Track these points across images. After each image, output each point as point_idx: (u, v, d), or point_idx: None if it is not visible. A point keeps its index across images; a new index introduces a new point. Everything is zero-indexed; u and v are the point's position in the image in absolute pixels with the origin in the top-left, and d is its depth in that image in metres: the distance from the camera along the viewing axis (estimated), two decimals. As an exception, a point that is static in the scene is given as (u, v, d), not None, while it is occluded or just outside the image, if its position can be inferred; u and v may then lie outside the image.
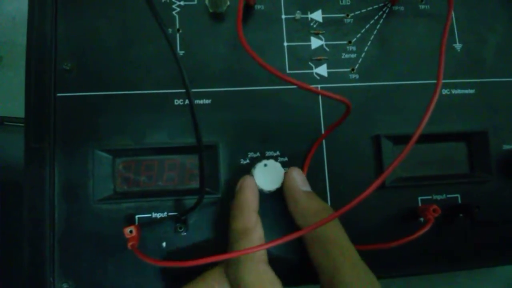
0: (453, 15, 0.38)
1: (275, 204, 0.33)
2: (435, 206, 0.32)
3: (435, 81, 0.35)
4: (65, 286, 0.32)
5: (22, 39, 0.49)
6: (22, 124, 0.43)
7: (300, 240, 0.31)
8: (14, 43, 0.51)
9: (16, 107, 0.47)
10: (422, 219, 0.34)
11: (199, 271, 0.30)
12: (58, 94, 0.34)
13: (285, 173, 0.32)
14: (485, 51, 0.38)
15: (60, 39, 0.34)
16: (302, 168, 0.34)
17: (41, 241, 0.32)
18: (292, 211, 0.32)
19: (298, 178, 0.32)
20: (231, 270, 0.28)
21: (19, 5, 0.52)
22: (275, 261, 0.29)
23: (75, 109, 0.34)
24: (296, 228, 0.31)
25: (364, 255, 0.29)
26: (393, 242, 0.31)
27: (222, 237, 0.32)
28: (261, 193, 0.32)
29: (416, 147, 0.35)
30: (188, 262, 0.26)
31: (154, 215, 0.33)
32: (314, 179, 0.34)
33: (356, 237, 0.32)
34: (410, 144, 0.26)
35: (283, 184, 0.32)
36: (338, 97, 0.28)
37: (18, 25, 0.52)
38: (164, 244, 0.33)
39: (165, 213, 0.33)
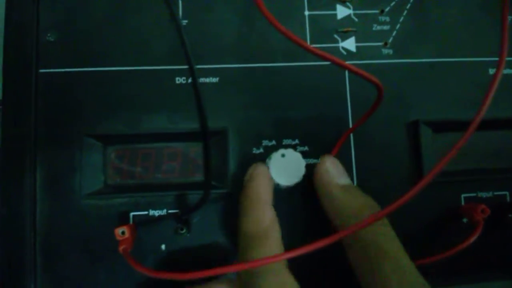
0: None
1: (294, 202, 0.29)
2: (483, 206, 0.28)
3: (483, 59, 0.31)
4: None
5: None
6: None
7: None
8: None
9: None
10: (465, 220, 0.30)
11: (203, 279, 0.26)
12: (41, 70, 0.30)
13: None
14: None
15: (44, 6, 0.31)
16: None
17: (21, 244, 0.28)
18: (327, 210, 0.27)
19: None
20: (245, 283, 0.23)
21: None
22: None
23: (60, 88, 0.30)
24: (332, 230, 0.26)
25: None
26: (438, 255, 0.26)
27: (231, 240, 0.28)
28: (277, 189, 0.27)
29: (460, 135, 0.31)
30: (189, 275, 0.21)
31: (151, 212, 0.29)
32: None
33: None
34: (469, 130, 0.21)
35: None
36: (372, 78, 0.23)
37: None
38: (163, 246, 0.29)
39: (165, 210, 0.29)
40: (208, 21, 0.31)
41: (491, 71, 0.31)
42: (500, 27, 0.23)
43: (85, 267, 0.28)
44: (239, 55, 0.31)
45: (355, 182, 0.30)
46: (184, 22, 0.30)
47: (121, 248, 0.26)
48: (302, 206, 0.29)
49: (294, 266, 0.23)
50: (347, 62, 0.30)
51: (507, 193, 0.31)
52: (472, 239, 0.26)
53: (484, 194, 0.31)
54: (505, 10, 0.24)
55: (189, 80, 0.30)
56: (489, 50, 0.32)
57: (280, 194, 0.28)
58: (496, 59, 0.29)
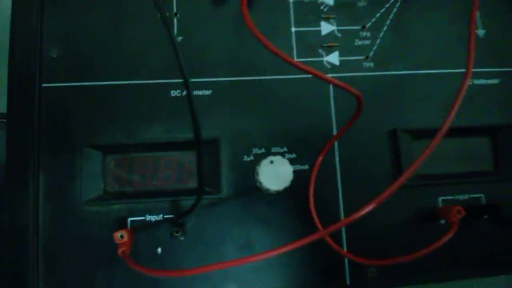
0: (476, -1, 0.35)
1: (282, 206, 0.31)
2: (459, 207, 0.30)
3: (456, 70, 0.34)
4: None
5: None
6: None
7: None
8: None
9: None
10: (443, 221, 0.32)
11: (199, 280, 0.28)
12: (44, 85, 0.32)
13: None
14: (510, 38, 0.36)
15: (46, 24, 0.33)
16: (312, 166, 0.31)
17: (24, 249, 0.30)
18: None
19: None
20: None
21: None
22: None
23: (62, 102, 0.32)
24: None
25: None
26: (414, 253, 0.28)
27: (224, 242, 0.30)
28: (267, 193, 0.29)
29: (438, 143, 0.33)
30: (186, 272, 0.23)
31: (148, 218, 0.31)
32: (325, 179, 0.32)
33: (372, 243, 0.31)
34: (438, 136, 0.23)
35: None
36: (351, 89, 0.25)
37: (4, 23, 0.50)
38: (159, 250, 0.30)
39: (161, 215, 0.31)
40: (201, 38, 0.33)
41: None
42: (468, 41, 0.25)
43: (86, 270, 0.30)
44: (230, 69, 0.33)
45: (339, 188, 0.32)
46: (179, 38, 0.32)
47: (120, 251, 0.27)
48: (290, 209, 0.31)
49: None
50: (331, 75, 0.33)
51: (482, 195, 0.33)
52: (446, 238, 0.28)
53: (460, 197, 0.33)
54: (472, 25, 0.27)
55: (184, 93, 0.32)
56: (462, 62, 0.34)
57: (269, 199, 0.31)
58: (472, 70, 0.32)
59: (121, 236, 0.28)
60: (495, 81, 0.35)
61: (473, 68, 0.32)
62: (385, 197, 0.22)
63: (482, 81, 0.34)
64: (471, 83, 0.34)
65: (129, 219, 0.31)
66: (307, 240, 0.23)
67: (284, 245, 0.23)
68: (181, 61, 0.22)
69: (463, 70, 0.33)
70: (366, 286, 0.31)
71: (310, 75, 0.32)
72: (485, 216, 0.33)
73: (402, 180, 0.22)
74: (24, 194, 0.30)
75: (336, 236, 0.31)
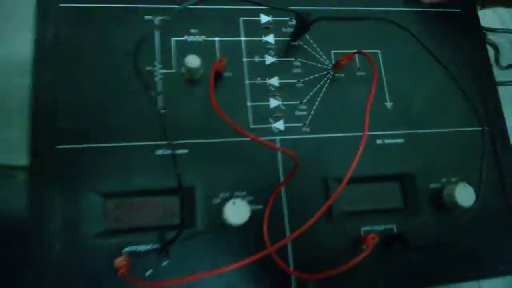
0: (384, 78, 0.46)
1: (243, 237, 0.39)
2: (373, 234, 0.39)
3: (371, 133, 0.44)
4: None
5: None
6: (12, 170, 0.49)
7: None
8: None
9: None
10: (364, 246, 0.40)
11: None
12: (58, 146, 0.39)
13: None
14: (411, 108, 0.46)
15: (60, 99, 0.40)
16: (265, 206, 0.40)
17: (40, 275, 0.36)
18: None
19: None
20: None
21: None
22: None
23: (72, 159, 0.39)
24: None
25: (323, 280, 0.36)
26: (339, 267, 0.37)
27: (199, 265, 0.38)
28: (230, 227, 0.38)
29: (359, 186, 0.43)
30: (173, 281, 0.32)
31: (140, 247, 0.38)
32: (275, 216, 0.40)
33: (309, 263, 0.39)
34: (341, 185, 0.33)
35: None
36: (288, 151, 0.36)
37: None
38: (148, 272, 0.37)
39: (149, 245, 0.38)
40: (180, 110, 0.41)
41: (378, 141, 0.44)
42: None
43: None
44: (202, 133, 0.41)
45: (286, 222, 0.40)
46: (163, 111, 0.41)
47: (120, 272, 0.35)
48: (249, 239, 0.39)
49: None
50: (278, 138, 0.42)
51: (394, 226, 0.42)
52: (361, 256, 0.36)
53: (377, 227, 0.42)
54: (369, 99, 0.37)
55: (165, 152, 0.40)
56: (375, 127, 0.44)
57: (233, 231, 0.39)
58: (380, 132, 0.43)
59: (120, 261, 0.35)
60: (400, 140, 0.44)
61: (383, 131, 0.44)
62: (307, 226, 0.32)
63: (391, 140, 0.44)
64: (382, 142, 0.44)
65: (125, 249, 0.37)
66: (260, 255, 0.33)
67: (240, 260, 0.32)
68: (166, 129, 0.32)
69: (374, 133, 0.44)
70: None
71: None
72: (396, 243, 0.41)
73: (316, 216, 0.32)
74: (41, 229, 0.37)
75: (285, 256, 0.40)
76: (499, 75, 0.57)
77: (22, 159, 0.44)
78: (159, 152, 0.40)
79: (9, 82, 0.54)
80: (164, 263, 0.38)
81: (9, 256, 0.46)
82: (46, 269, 0.36)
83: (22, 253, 0.37)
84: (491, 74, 0.49)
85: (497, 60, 0.56)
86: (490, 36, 0.55)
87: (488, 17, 0.62)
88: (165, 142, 0.40)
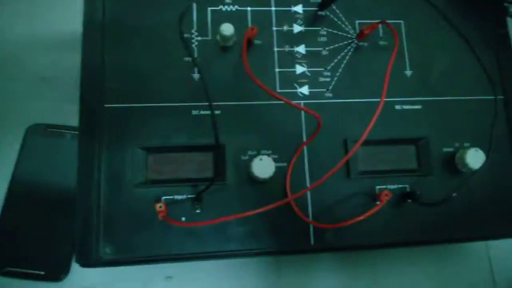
0: (405, 48, 0.49)
1: (267, 190, 0.44)
2: (386, 191, 0.42)
3: (390, 99, 0.47)
4: (107, 250, 0.41)
5: (61, 60, 0.60)
6: (63, 130, 0.54)
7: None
8: (55, 64, 0.61)
9: (57, 116, 0.58)
10: (378, 202, 0.43)
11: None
12: (106, 105, 0.43)
13: None
14: (430, 76, 0.49)
15: (107, 64, 0.44)
16: (288, 164, 0.44)
17: (90, 216, 0.41)
18: None
19: None
20: None
21: (58, 31, 0.62)
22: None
23: (118, 116, 0.43)
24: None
25: (338, 229, 0.41)
26: (354, 218, 0.41)
27: (227, 214, 0.41)
28: (257, 180, 0.42)
29: (376, 147, 0.46)
30: (206, 222, 0.37)
31: (176, 197, 0.42)
32: (297, 173, 0.44)
33: (328, 217, 0.43)
34: (358, 143, 0.36)
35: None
36: (312, 111, 0.39)
37: (57, 48, 0.62)
38: (183, 219, 0.42)
39: (185, 195, 0.43)
40: (214, 75, 0.45)
41: (397, 107, 0.47)
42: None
43: (132, 231, 0.41)
44: (233, 96, 0.45)
45: (307, 179, 0.44)
46: (197, 76, 0.45)
47: (160, 216, 0.39)
48: (273, 192, 0.43)
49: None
50: (302, 102, 0.46)
51: (407, 185, 0.45)
52: (374, 210, 0.40)
53: (391, 186, 0.45)
54: (389, 64, 0.40)
55: (201, 112, 0.44)
56: (395, 93, 0.47)
57: (259, 185, 0.43)
58: (399, 99, 0.46)
59: (160, 206, 0.39)
60: (418, 106, 0.47)
61: (401, 97, 0.47)
62: (325, 178, 0.36)
63: (409, 106, 0.47)
64: (401, 108, 0.46)
65: (163, 197, 0.42)
66: (281, 202, 0.37)
67: (263, 206, 0.37)
68: (207, 90, 0.36)
69: (395, 99, 0.47)
70: (325, 246, 0.44)
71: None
72: (409, 200, 0.44)
73: (334, 169, 0.36)
74: (91, 178, 0.41)
75: (305, 210, 0.44)
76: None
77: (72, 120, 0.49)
78: (195, 112, 0.45)
79: (61, 55, 0.60)
80: (197, 211, 0.43)
81: (63, 205, 0.52)
82: (95, 215, 0.41)
83: (72, 203, 0.42)
84: (509, 46, 0.50)
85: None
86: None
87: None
88: (200, 104, 0.44)
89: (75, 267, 0.51)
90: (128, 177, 0.42)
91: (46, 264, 0.51)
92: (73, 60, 0.48)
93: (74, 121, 0.53)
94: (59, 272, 0.51)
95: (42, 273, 0.50)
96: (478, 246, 0.57)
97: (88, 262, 0.41)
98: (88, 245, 0.41)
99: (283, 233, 0.43)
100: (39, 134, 0.55)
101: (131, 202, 0.42)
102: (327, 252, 0.47)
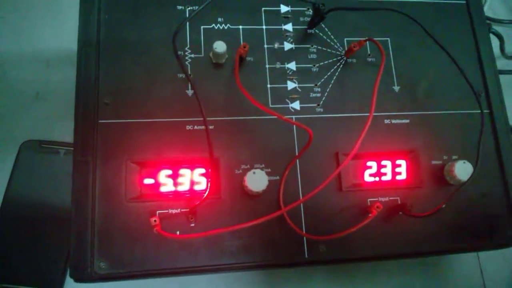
0: (393, 64, 0.50)
1: (261, 203, 0.44)
2: (378, 203, 0.43)
3: (379, 114, 0.48)
4: (102, 265, 0.41)
5: (54, 77, 0.60)
6: (57, 146, 0.55)
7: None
8: (48, 81, 0.62)
9: (50, 132, 0.58)
10: (370, 214, 0.44)
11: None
12: (100, 121, 0.44)
13: None
14: (417, 91, 0.50)
15: (101, 80, 0.45)
16: (281, 177, 0.45)
17: (85, 231, 0.41)
18: None
19: None
20: None
21: (52, 48, 0.62)
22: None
23: (112, 132, 0.44)
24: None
25: (331, 242, 0.41)
26: (347, 230, 0.42)
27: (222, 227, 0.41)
28: (250, 193, 0.43)
29: (366, 161, 0.47)
30: (201, 234, 0.37)
31: (170, 211, 0.43)
32: (290, 186, 0.45)
33: (322, 229, 0.44)
34: (349, 156, 0.37)
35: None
36: (303, 126, 0.40)
37: (50, 66, 0.63)
38: (178, 232, 0.42)
39: (179, 209, 0.43)
40: (207, 91, 0.46)
41: (386, 121, 0.48)
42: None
43: (126, 246, 0.41)
44: (226, 112, 0.45)
45: (300, 192, 0.45)
46: (192, 91, 0.45)
47: (155, 229, 0.39)
48: (266, 205, 0.44)
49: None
50: (294, 117, 0.47)
51: (398, 198, 0.46)
52: (366, 221, 0.41)
53: (383, 199, 0.46)
54: (377, 79, 0.41)
55: (195, 127, 0.45)
56: (383, 108, 0.48)
57: (252, 198, 0.44)
58: (388, 113, 0.47)
59: (155, 220, 0.39)
60: (406, 121, 0.48)
61: (390, 112, 0.48)
62: (318, 190, 0.37)
63: (398, 121, 0.48)
64: (390, 122, 0.48)
65: (157, 211, 0.42)
66: (274, 214, 0.37)
67: (256, 218, 0.37)
68: (201, 107, 0.37)
69: (384, 114, 0.49)
70: (319, 259, 0.44)
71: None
72: (400, 212, 0.45)
73: (326, 182, 0.37)
74: (85, 194, 0.42)
75: (298, 223, 0.44)
76: (504, 64, 0.61)
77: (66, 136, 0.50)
78: (189, 127, 0.45)
79: (54, 71, 0.60)
80: (191, 225, 0.43)
81: (56, 221, 0.52)
82: (89, 231, 0.42)
83: (67, 218, 0.42)
84: (493, 61, 0.52)
85: (502, 50, 0.59)
86: (496, 27, 0.59)
87: (495, 5, 0.65)
88: (194, 119, 0.45)
89: (69, 282, 0.51)
90: (122, 192, 0.43)
91: (40, 280, 0.51)
92: (67, 76, 0.48)
93: (67, 137, 0.54)
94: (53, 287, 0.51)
95: (36, 289, 0.50)
96: (469, 256, 0.58)
97: (82, 277, 0.41)
98: (82, 260, 0.41)
99: (277, 246, 0.44)
100: (33, 150, 0.55)
101: (126, 217, 0.42)
102: (320, 265, 0.47)
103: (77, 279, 0.41)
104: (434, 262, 0.58)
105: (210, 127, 0.45)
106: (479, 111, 0.48)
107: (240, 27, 0.49)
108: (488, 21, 0.54)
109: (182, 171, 0.44)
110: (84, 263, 0.41)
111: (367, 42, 0.48)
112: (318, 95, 0.48)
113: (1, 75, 0.60)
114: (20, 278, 0.50)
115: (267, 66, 0.48)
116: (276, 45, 0.49)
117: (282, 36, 0.50)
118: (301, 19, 0.51)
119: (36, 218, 0.53)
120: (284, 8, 0.50)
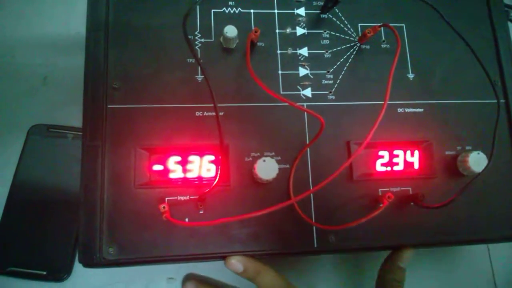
0: (408, 51, 0.49)
1: (271, 191, 0.44)
2: (389, 194, 0.42)
3: (392, 102, 0.47)
4: (110, 250, 0.41)
5: (62, 62, 0.60)
6: (65, 131, 0.54)
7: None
8: (56, 65, 0.61)
9: (58, 117, 0.57)
10: (381, 204, 0.44)
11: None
12: (109, 106, 0.43)
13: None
14: (432, 79, 0.49)
15: (110, 64, 0.44)
16: (291, 166, 0.44)
17: (94, 217, 0.41)
18: None
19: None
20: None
21: (60, 32, 0.62)
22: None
23: (121, 117, 0.43)
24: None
25: (341, 232, 0.41)
26: (357, 220, 0.41)
27: (230, 215, 0.41)
28: (260, 181, 0.43)
29: (379, 151, 0.46)
30: (209, 222, 0.37)
31: (179, 197, 0.42)
32: (300, 175, 0.44)
33: (332, 218, 0.43)
34: (361, 146, 0.37)
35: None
36: (315, 114, 0.39)
37: (59, 50, 0.62)
38: (186, 219, 0.42)
39: (188, 196, 0.43)
40: (217, 76, 0.45)
41: (400, 110, 0.47)
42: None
43: (135, 232, 0.41)
44: (236, 98, 0.45)
45: (310, 180, 0.44)
46: (201, 77, 0.45)
47: (164, 216, 0.39)
48: (275, 194, 0.44)
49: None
50: (305, 104, 0.46)
51: (410, 188, 0.46)
52: (377, 212, 0.40)
53: (394, 189, 0.45)
54: (392, 66, 0.40)
55: (204, 113, 0.44)
56: (397, 96, 0.47)
57: (261, 186, 0.43)
58: (401, 102, 0.46)
59: (163, 207, 0.39)
60: (420, 110, 0.47)
61: (404, 101, 0.47)
62: (328, 181, 0.36)
63: (411, 110, 0.47)
64: (403, 111, 0.47)
65: (166, 198, 0.42)
66: (283, 204, 0.37)
67: (266, 207, 0.37)
68: (212, 93, 0.36)
69: (397, 102, 0.48)
70: (328, 248, 0.44)
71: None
72: (411, 203, 0.45)
73: (337, 172, 0.36)
74: (94, 179, 0.41)
75: (308, 212, 0.44)
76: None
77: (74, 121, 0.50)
78: (198, 113, 0.45)
79: (63, 55, 0.60)
80: (200, 212, 0.43)
81: (65, 205, 0.52)
82: (98, 216, 0.41)
83: (75, 203, 0.42)
84: (510, 50, 0.51)
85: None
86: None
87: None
88: (203, 105, 0.44)
89: (77, 267, 0.51)
90: (131, 178, 0.43)
91: (48, 265, 0.51)
92: (75, 61, 0.48)
93: (75, 121, 0.53)
94: (61, 272, 0.51)
95: (44, 273, 0.50)
96: (479, 248, 0.58)
97: (91, 262, 0.41)
98: (91, 245, 0.41)
99: (286, 235, 0.43)
100: (41, 135, 0.55)
101: (135, 203, 0.42)
102: (330, 253, 0.46)
103: (86, 264, 0.41)
104: (443, 253, 0.57)
105: (220, 113, 0.44)
106: (495, 100, 0.46)
107: (252, 11, 0.48)
108: (506, 9, 0.52)
109: (191, 157, 0.44)
110: (93, 248, 0.41)
111: (382, 28, 0.47)
112: (331, 82, 0.47)
113: (9, 60, 0.60)
114: (28, 262, 0.50)
115: (278, 51, 0.47)
116: (288, 30, 0.48)
117: (294, 20, 0.49)
118: (314, 3, 0.49)
119: (44, 202, 0.52)
120: (296, -9, 0.49)
